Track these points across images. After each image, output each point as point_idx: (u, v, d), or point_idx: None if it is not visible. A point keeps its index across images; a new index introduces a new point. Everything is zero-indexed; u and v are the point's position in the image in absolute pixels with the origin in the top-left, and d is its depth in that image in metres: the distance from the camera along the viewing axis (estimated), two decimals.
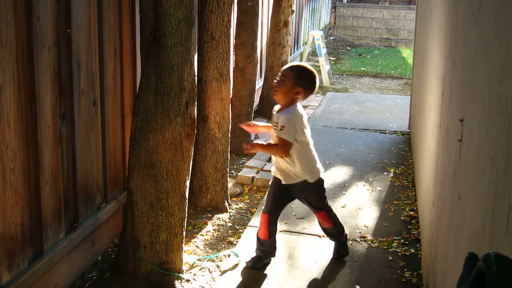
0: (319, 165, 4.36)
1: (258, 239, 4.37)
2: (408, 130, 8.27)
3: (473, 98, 2.40)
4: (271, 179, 4.50)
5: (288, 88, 4.14)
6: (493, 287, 1.11)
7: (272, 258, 4.44)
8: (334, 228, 4.49)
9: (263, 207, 4.50)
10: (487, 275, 1.15)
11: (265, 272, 4.30)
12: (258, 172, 6.41)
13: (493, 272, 1.13)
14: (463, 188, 2.54)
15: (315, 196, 4.38)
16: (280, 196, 4.37)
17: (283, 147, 4.10)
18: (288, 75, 4.16)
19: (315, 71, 4.35)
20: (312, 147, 4.30)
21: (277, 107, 4.28)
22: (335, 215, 4.52)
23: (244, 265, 4.39)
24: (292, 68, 4.25)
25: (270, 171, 6.31)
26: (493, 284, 1.12)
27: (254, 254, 4.43)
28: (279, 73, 4.25)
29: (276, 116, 4.19)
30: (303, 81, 4.19)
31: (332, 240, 4.61)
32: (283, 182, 4.28)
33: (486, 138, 2.03)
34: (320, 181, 4.35)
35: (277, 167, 4.29)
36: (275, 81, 4.21)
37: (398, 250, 4.72)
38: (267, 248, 4.37)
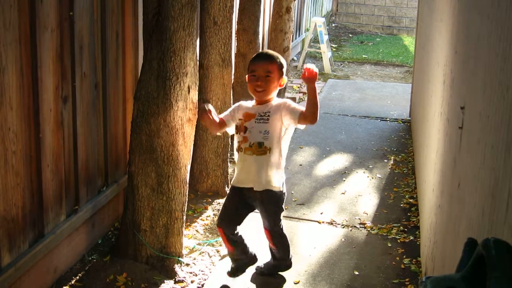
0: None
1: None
2: (409, 118, 8.27)
3: (474, 85, 2.40)
4: (229, 191, 4.04)
5: (276, 82, 3.79)
6: (492, 272, 1.12)
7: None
8: (277, 252, 4.05)
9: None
10: (486, 260, 1.16)
11: (265, 257, 4.32)
12: None
13: (492, 256, 1.14)
14: (463, 175, 2.55)
15: (277, 209, 3.90)
16: (241, 211, 3.98)
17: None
18: (272, 68, 3.76)
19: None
20: None
21: (246, 103, 3.90)
22: (282, 237, 4.01)
23: None
24: (273, 59, 3.82)
25: None
26: (492, 268, 1.12)
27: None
28: (253, 69, 3.81)
29: (262, 108, 3.81)
30: (283, 69, 3.84)
31: (273, 259, 4.13)
32: (255, 189, 3.80)
33: (487, 125, 2.04)
34: (284, 192, 3.91)
35: (249, 170, 3.81)
36: (254, 78, 3.79)
37: (397, 237, 4.74)
38: (240, 257, 4.05)
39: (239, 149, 3.80)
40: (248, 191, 3.84)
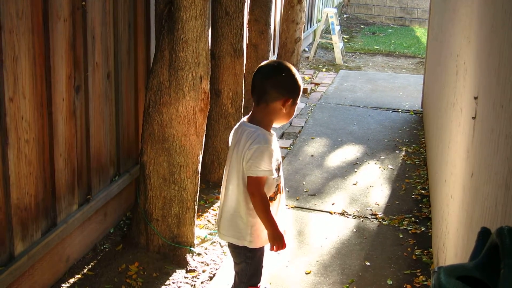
0: None
1: None
2: (421, 109, 8.24)
3: (488, 75, 2.39)
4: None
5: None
6: (506, 260, 1.12)
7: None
8: None
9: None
10: (500, 248, 1.15)
11: None
12: None
13: (506, 244, 1.13)
14: (476, 165, 2.54)
15: None
16: None
17: None
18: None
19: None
20: None
21: (268, 135, 3.06)
22: None
23: None
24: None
25: (286, 147, 6.32)
26: (507, 256, 1.12)
27: None
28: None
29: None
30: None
31: None
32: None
33: (501, 115, 2.03)
34: None
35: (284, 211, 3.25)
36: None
37: (409, 228, 4.73)
38: None
39: (280, 191, 3.11)
40: None
